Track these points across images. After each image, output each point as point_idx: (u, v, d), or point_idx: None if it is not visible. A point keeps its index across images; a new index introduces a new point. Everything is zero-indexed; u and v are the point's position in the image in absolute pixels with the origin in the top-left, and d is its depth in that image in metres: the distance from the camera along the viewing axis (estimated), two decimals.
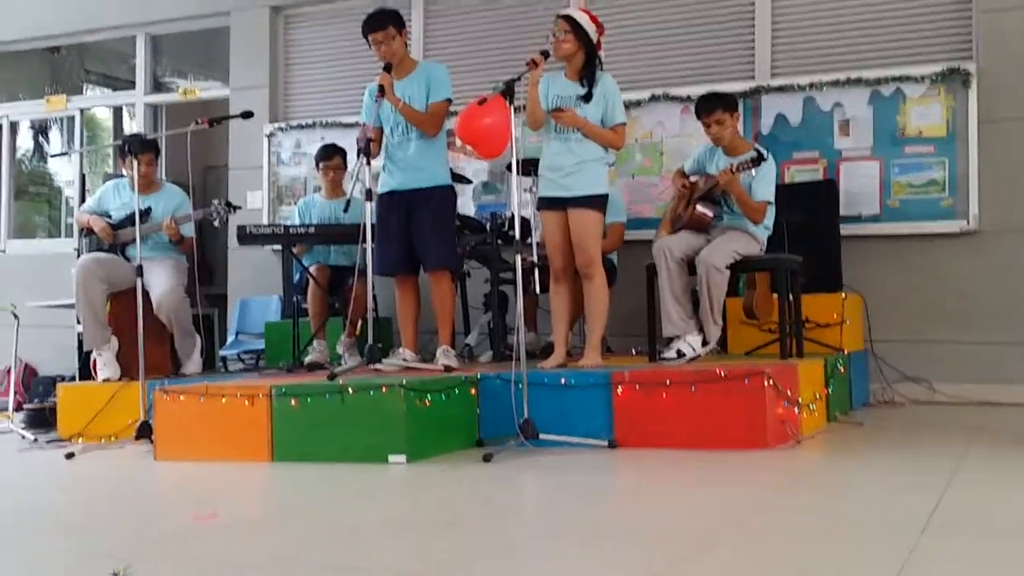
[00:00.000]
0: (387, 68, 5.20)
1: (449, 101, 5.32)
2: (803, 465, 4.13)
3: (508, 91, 4.48)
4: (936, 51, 6.24)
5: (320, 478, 4.15)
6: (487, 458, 4.23)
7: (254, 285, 7.98)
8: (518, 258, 4.50)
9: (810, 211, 6.05)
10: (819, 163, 6.42)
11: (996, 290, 6.04)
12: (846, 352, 5.73)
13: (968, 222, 6.07)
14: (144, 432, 5.17)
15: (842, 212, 6.24)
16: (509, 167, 6.46)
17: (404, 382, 4.43)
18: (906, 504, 3.11)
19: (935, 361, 6.11)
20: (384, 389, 4.40)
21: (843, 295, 5.93)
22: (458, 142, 5.75)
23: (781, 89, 6.48)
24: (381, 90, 5.14)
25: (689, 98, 6.64)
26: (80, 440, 5.52)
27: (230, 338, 7.81)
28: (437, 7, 7.54)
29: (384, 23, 5.25)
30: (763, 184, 5.23)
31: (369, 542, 2.95)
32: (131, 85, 8.85)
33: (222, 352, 7.62)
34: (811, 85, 6.41)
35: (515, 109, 4.57)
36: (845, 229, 6.22)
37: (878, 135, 6.29)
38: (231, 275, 8.14)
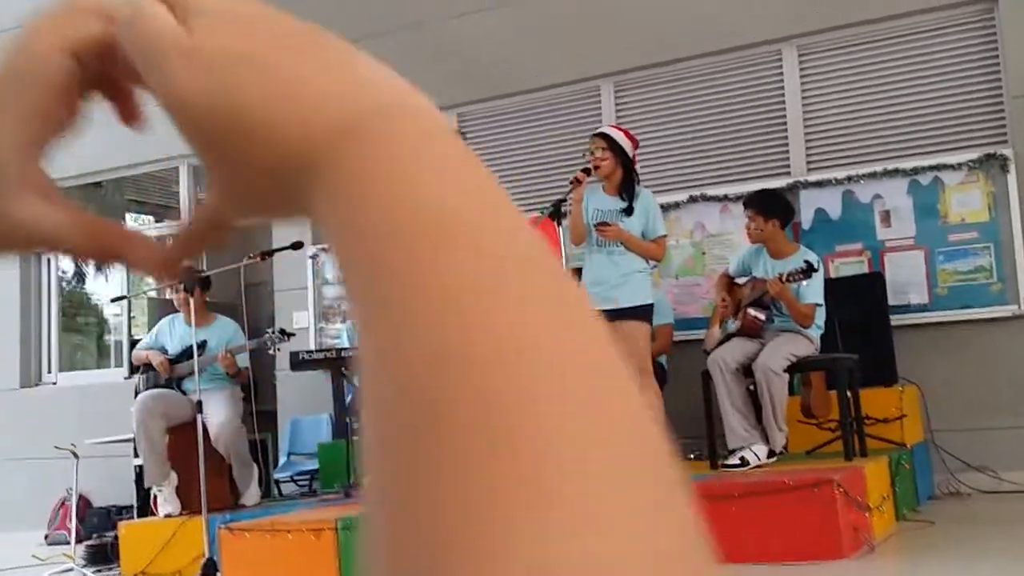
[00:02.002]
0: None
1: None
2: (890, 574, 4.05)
3: (556, 212, 4.55)
4: (972, 138, 6.28)
5: None
6: None
7: (305, 405, 8.03)
8: None
9: (858, 304, 6.04)
10: (863, 255, 6.43)
11: None
12: (908, 446, 5.65)
13: (1020, 306, 6.03)
14: (210, 570, 5.16)
15: (890, 302, 6.22)
16: None
17: None
18: None
19: (998, 448, 6.01)
20: None
21: (900, 388, 5.87)
22: None
23: (819, 184, 6.53)
24: None
25: (727, 197, 6.72)
26: None
27: (282, 459, 7.83)
28: (467, 121, 7.71)
29: None
30: (812, 289, 5.25)
31: None
32: (173, 212, 9.06)
33: (276, 475, 7.63)
34: (848, 178, 6.46)
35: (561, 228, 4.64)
36: (895, 319, 6.19)
37: (920, 224, 6.30)
38: (280, 394, 8.19)
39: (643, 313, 5.05)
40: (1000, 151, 6.11)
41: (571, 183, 4.93)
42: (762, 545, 4.34)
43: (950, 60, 6.37)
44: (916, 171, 6.30)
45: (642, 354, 5.03)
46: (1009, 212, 6.09)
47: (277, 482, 7.67)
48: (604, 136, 5.13)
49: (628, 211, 5.08)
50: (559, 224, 4.57)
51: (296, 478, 7.63)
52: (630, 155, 5.11)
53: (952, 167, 6.22)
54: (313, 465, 7.43)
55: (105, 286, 10.03)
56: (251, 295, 9.18)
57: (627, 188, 5.10)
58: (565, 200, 4.75)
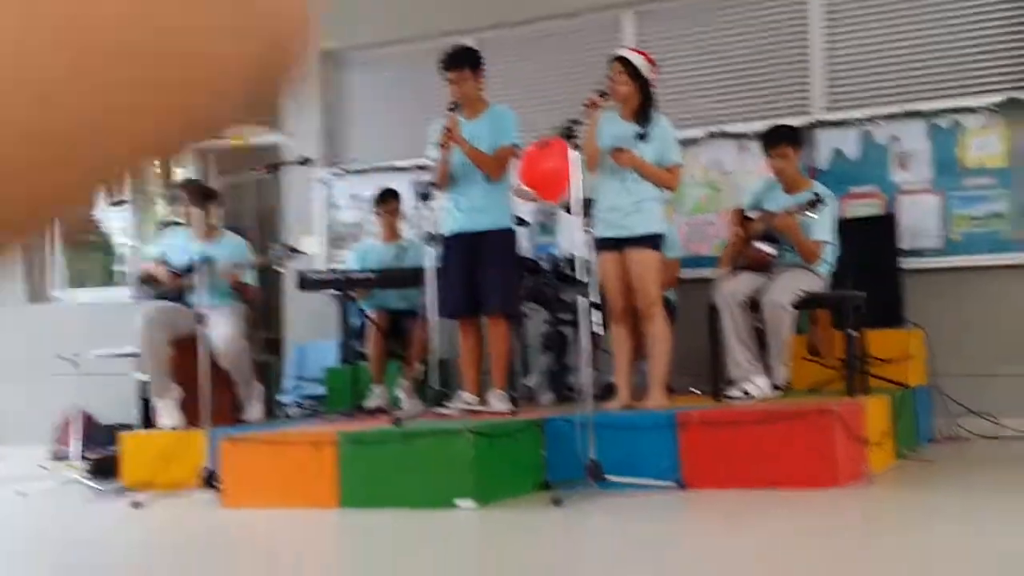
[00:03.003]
0: (453, 107, 5.23)
1: (516, 146, 5.35)
2: (883, 504, 4.06)
3: (569, 133, 4.49)
4: (994, 81, 6.18)
5: (389, 525, 4.15)
6: (557, 502, 4.20)
7: (311, 330, 8.02)
8: (582, 300, 4.49)
9: (870, 246, 6.00)
10: (878, 198, 6.37)
11: None
12: (911, 388, 5.64)
13: None
14: (209, 479, 5.20)
15: (902, 246, 6.17)
16: (565, 208, 6.55)
17: (472, 426, 4.42)
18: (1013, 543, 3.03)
19: (1000, 395, 5.99)
20: (452, 434, 4.40)
21: (906, 330, 5.84)
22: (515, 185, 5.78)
23: (837, 124, 6.45)
24: (448, 131, 5.17)
25: (745, 135, 6.65)
26: (145, 488, 5.55)
27: (288, 383, 7.86)
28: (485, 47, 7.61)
29: (460, 64, 5.31)
30: (820, 224, 5.20)
31: None
32: None
33: (281, 398, 7.66)
34: (868, 119, 6.37)
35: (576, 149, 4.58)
36: (906, 263, 6.15)
37: (937, 168, 6.23)
38: (288, 320, 8.20)
39: (655, 242, 5.02)
40: (1022, 96, 6.01)
41: (586, 106, 4.86)
42: (762, 472, 4.35)
43: (974, 2, 6.25)
44: (936, 114, 6.22)
45: (651, 283, 5.00)
46: None
47: (282, 404, 7.70)
48: (623, 60, 5.05)
49: (643, 137, 5.01)
50: (572, 145, 4.51)
51: (301, 402, 7.66)
52: (649, 80, 5.03)
53: (973, 110, 6.13)
54: (319, 390, 7.46)
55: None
56: (261, 222, 9.19)
57: (644, 114, 5.03)
58: (579, 121, 4.68)
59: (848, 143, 6.44)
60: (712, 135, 6.75)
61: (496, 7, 7.50)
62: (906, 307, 6.06)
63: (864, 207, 6.38)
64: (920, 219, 6.24)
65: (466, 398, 5.38)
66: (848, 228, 5.85)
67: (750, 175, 6.53)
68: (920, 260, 6.20)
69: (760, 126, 6.45)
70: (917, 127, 6.27)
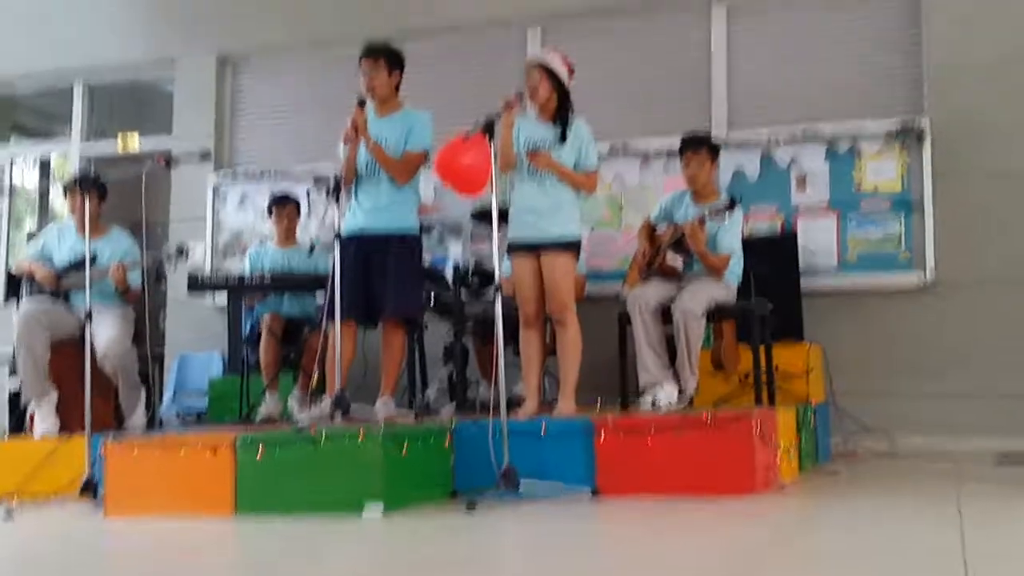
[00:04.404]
0: (360, 103, 5.04)
1: (427, 152, 5.19)
2: (803, 508, 4.04)
3: (489, 128, 4.38)
4: (890, 107, 6.36)
5: (291, 532, 3.90)
6: (470, 507, 4.04)
7: (193, 342, 7.68)
8: (498, 299, 4.35)
9: (770, 264, 6.04)
10: (777, 217, 6.47)
11: (954, 342, 6.10)
12: (813, 403, 5.70)
13: (925, 275, 6.15)
14: (89, 488, 4.85)
15: (801, 265, 6.26)
16: (473, 215, 6.43)
17: (382, 429, 4.23)
18: (933, 538, 3.02)
19: (895, 413, 6.12)
20: (360, 436, 4.19)
21: (807, 346, 5.92)
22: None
23: (738, 144, 6.53)
24: (354, 126, 4.98)
25: (647, 151, 6.68)
26: (15, 499, 5.14)
27: (167, 396, 7.48)
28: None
29: (377, 54, 5.13)
30: (730, 233, 5.22)
31: None
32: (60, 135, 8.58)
33: (160, 411, 7.27)
34: (768, 140, 6.48)
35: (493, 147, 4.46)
36: (804, 283, 6.24)
37: (835, 190, 6.37)
38: (170, 331, 7.83)
39: (571, 246, 4.93)
40: (917, 122, 6.21)
41: (503, 106, 4.76)
42: (678, 479, 4.28)
43: (875, 30, 6.46)
44: (835, 137, 6.36)
45: (566, 288, 4.91)
46: (922, 183, 6.19)
47: (161, 418, 7.31)
48: (540, 62, 4.98)
49: (561, 140, 4.94)
50: (491, 141, 4.39)
51: (182, 414, 7.29)
52: (566, 83, 4.97)
53: (869, 136, 6.30)
54: (201, 403, 7.11)
55: None
56: (148, 224, 8.79)
57: (561, 116, 4.96)
58: (498, 117, 4.57)
59: (748, 163, 6.53)
60: (615, 150, 6.75)
61: (400, 17, 7.38)
62: (805, 325, 6.14)
63: (763, 226, 6.46)
64: (818, 239, 6.36)
65: (325, 405, 4.99)
66: (749, 246, 5.89)
67: (652, 191, 6.57)
68: (818, 279, 6.31)
69: (662, 143, 6.50)
70: (816, 150, 6.40)
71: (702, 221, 5.08)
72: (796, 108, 6.56)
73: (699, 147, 5.30)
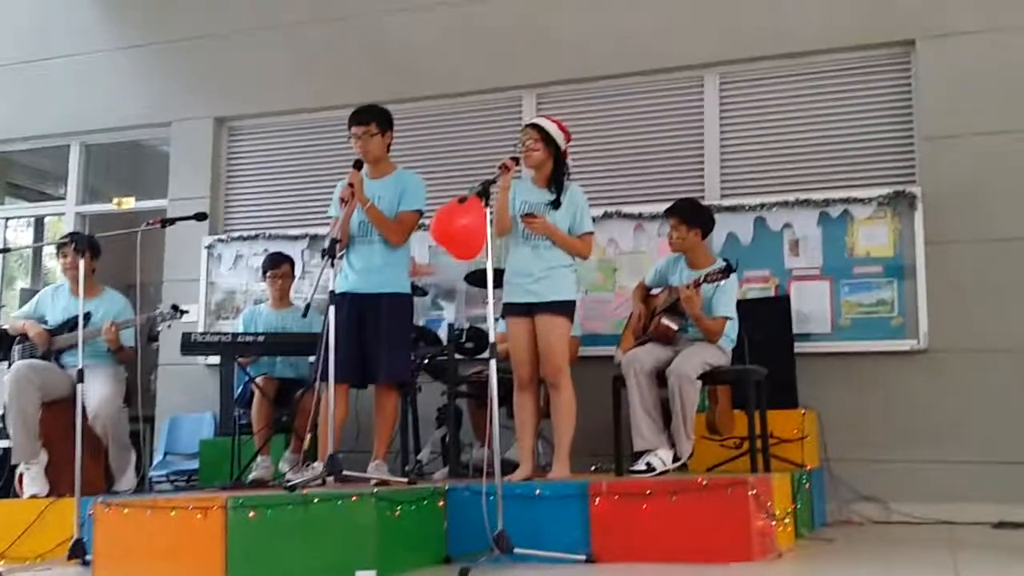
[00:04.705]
0: (357, 165, 5.08)
1: (420, 213, 5.22)
2: None
3: (484, 192, 4.41)
4: (882, 175, 6.43)
5: None
6: (464, 573, 3.98)
7: (184, 403, 7.63)
8: (492, 363, 4.34)
9: (764, 328, 6.05)
10: (770, 282, 6.49)
11: (948, 409, 6.08)
12: (808, 468, 5.67)
13: (918, 341, 6.16)
14: (77, 551, 4.78)
15: (794, 329, 6.27)
16: (466, 279, 6.45)
17: (375, 492, 4.19)
18: None
19: (890, 480, 6.08)
20: (354, 499, 4.15)
21: (802, 411, 5.90)
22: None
23: (731, 209, 6.58)
24: (350, 187, 5.00)
25: (641, 215, 6.73)
26: (3, 562, 5.07)
27: (157, 458, 7.41)
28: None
29: (367, 119, 5.17)
30: (724, 298, 5.23)
31: None
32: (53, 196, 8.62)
33: (150, 473, 7.19)
34: (761, 205, 6.53)
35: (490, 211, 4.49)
36: (798, 347, 6.25)
37: (827, 255, 6.40)
38: (161, 391, 7.78)
39: (565, 308, 4.94)
40: (909, 189, 6.27)
41: (499, 169, 4.81)
42: (674, 545, 4.24)
43: (866, 99, 6.54)
44: (826, 203, 6.41)
45: (560, 351, 4.91)
46: (914, 249, 6.23)
47: (151, 480, 7.23)
48: (536, 127, 5.03)
49: (555, 205, 4.98)
50: (487, 205, 4.42)
51: (173, 477, 7.21)
52: (562, 148, 5.02)
53: (861, 202, 6.35)
54: (191, 465, 7.05)
55: None
56: (142, 284, 8.79)
57: (556, 181, 5.00)
58: (494, 182, 4.61)
59: (742, 228, 6.57)
60: (608, 215, 6.79)
61: (395, 82, 7.47)
62: (799, 390, 6.13)
63: (758, 291, 6.49)
64: (811, 304, 6.38)
65: (317, 466, 4.92)
66: (743, 310, 5.92)
67: (645, 255, 6.61)
68: (811, 344, 6.31)
69: (656, 208, 6.55)
70: (808, 215, 6.44)
71: (697, 284, 5.10)
72: (789, 174, 6.62)
73: (675, 216, 5.34)
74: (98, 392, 5.53)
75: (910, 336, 6.19)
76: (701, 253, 5.40)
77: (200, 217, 5.56)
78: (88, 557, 4.64)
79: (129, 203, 8.36)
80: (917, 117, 6.38)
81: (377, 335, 5.09)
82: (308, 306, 5.10)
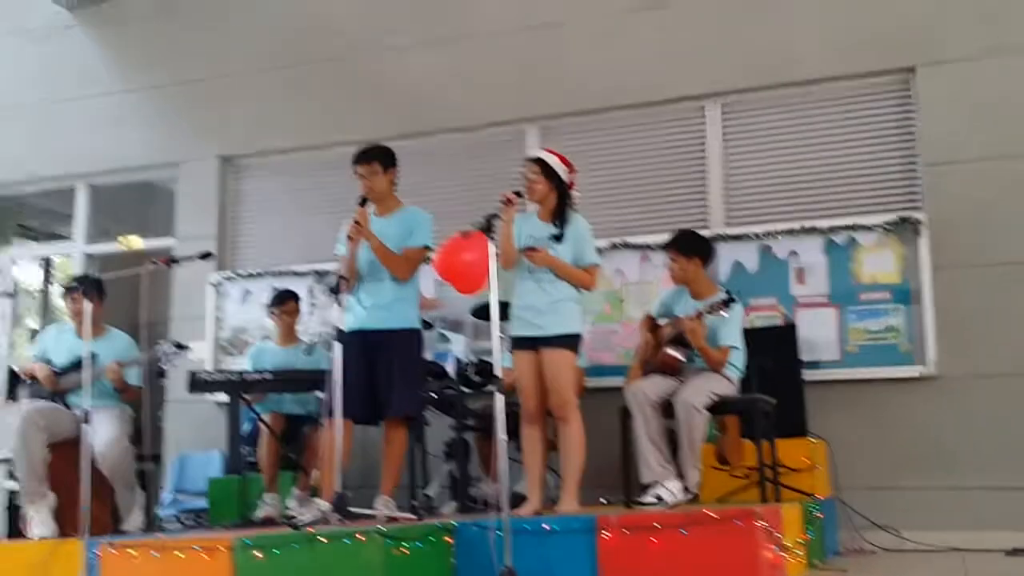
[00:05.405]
0: (362, 202, 5.10)
1: (428, 248, 5.23)
2: None
3: (488, 226, 4.41)
4: (887, 201, 6.42)
5: None
6: None
7: (193, 441, 7.63)
8: (498, 396, 4.32)
9: (771, 356, 6.02)
10: (777, 310, 6.48)
11: (958, 435, 6.04)
12: (818, 498, 5.62)
13: (927, 367, 6.12)
14: None
15: (802, 357, 6.24)
16: (473, 313, 6.45)
17: (383, 529, 4.17)
18: None
19: (901, 508, 6.03)
20: (360, 537, 4.13)
21: (811, 441, 5.87)
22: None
23: (737, 238, 6.58)
24: (357, 224, 5.01)
25: (647, 246, 6.73)
26: None
27: (167, 497, 7.39)
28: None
29: (370, 158, 5.20)
30: (729, 327, 5.23)
31: None
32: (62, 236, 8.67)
33: (160, 512, 7.17)
34: (767, 234, 6.53)
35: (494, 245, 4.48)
36: (806, 375, 6.22)
37: (834, 282, 6.38)
38: (169, 429, 7.78)
39: (570, 342, 4.93)
40: (913, 215, 6.26)
41: (502, 202, 4.82)
42: None
43: (869, 126, 6.55)
44: (832, 230, 6.40)
45: (566, 384, 4.90)
46: (919, 275, 6.21)
47: (160, 520, 7.20)
48: (537, 160, 5.05)
49: (559, 238, 4.98)
50: (491, 239, 4.42)
51: (182, 516, 7.18)
52: (565, 180, 5.03)
53: (867, 228, 6.34)
54: (201, 503, 7.02)
55: None
56: (149, 324, 8.82)
57: (560, 214, 5.01)
58: (497, 215, 4.61)
59: (748, 256, 6.57)
60: (615, 246, 6.80)
61: (399, 118, 7.51)
62: (808, 418, 6.10)
63: (764, 319, 6.47)
64: (818, 331, 6.35)
65: (321, 505, 4.90)
66: (750, 338, 5.89)
67: (653, 284, 6.60)
68: (819, 372, 6.28)
69: (662, 238, 6.54)
70: (814, 242, 6.44)
71: (700, 316, 5.10)
72: (793, 202, 6.62)
73: (672, 248, 5.37)
74: (104, 433, 5.53)
75: (918, 362, 6.16)
76: (703, 283, 5.39)
77: (206, 256, 5.57)
78: None
79: (136, 242, 8.40)
80: (920, 143, 6.39)
81: (388, 371, 5.10)
82: (313, 345, 5.10)
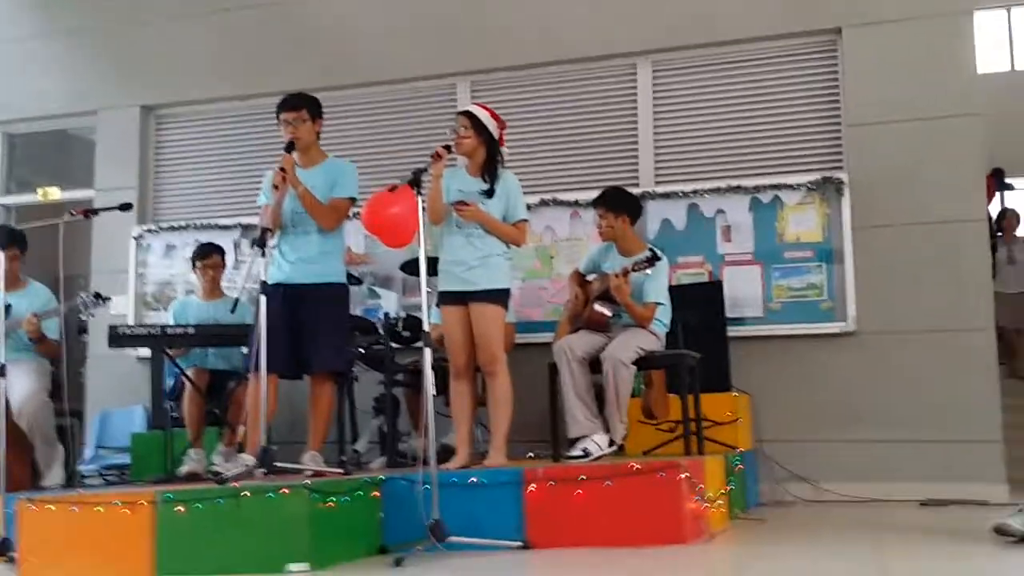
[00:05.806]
0: (288, 148, 4.98)
1: (353, 200, 5.15)
2: (732, 557, 4.04)
3: (416, 181, 4.36)
4: (811, 161, 6.53)
5: None
6: (398, 562, 3.97)
7: (115, 396, 7.50)
8: (427, 351, 4.31)
9: (698, 312, 6.12)
10: (704, 267, 6.56)
11: (877, 390, 6.21)
12: (740, 450, 5.74)
13: (847, 323, 6.26)
14: (3, 549, 4.66)
15: (727, 314, 6.34)
16: (402, 267, 6.41)
17: (308, 483, 4.15)
18: None
19: (821, 460, 6.20)
20: (285, 491, 4.11)
21: (734, 395, 5.98)
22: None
23: (665, 196, 6.63)
24: (282, 171, 4.91)
25: (577, 203, 6.74)
26: None
27: (88, 452, 7.27)
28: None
29: (298, 105, 5.08)
30: (654, 284, 5.27)
31: None
32: None
33: (81, 468, 7.05)
34: (694, 192, 6.58)
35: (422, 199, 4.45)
36: (731, 331, 6.32)
37: (759, 240, 6.48)
38: (91, 385, 7.63)
39: (499, 297, 4.92)
40: (836, 175, 6.36)
41: (431, 157, 4.77)
42: (608, 530, 4.26)
43: (796, 86, 6.63)
44: (758, 189, 6.49)
45: (495, 338, 4.90)
46: (842, 233, 6.33)
47: (82, 476, 7.08)
48: (468, 114, 5.00)
49: (489, 193, 4.95)
50: (418, 193, 4.38)
51: (104, 472, 7.08)
52: (495, 135, 5.00)
53: (791, 188, 6.43)
54: (123, 459, 6.92)
55: None
56: (68, 286, 8.60)
57: (489, 170, 4.98)
58: (426, 170, 4.57)
59: (676, 214, 6.63)
60: (544, 202, 6.80)
61: (325, 69, 7.39)
62: (732, 373, 6.21)
63: (691, 276, 6.55)
64: (743, 288, 6.45)
65: (246, 460, 4.78)
66: (677, 295, 5.97)
67: (582, 241, 6.63)
68: (743, 328, 6.39)
69: (592, 195, 6.55)
70: (740, 201, 6.51)
71: (626, 273, 5.14)
72: (721, 161, 6.69)
73: (601, 205, 5.41)
74: (21, 388, 5.40)
75: (839, 319, 6.29)
76: (631, 240, 5.43)
77: (125, 207, 5.43)
78: (13, 555, 4.52)
79: (55, 194, 8.17)
80: (844, 104, 6.48)
81: (313, 325, 5.02)
82: (236, 302, 5.01)
